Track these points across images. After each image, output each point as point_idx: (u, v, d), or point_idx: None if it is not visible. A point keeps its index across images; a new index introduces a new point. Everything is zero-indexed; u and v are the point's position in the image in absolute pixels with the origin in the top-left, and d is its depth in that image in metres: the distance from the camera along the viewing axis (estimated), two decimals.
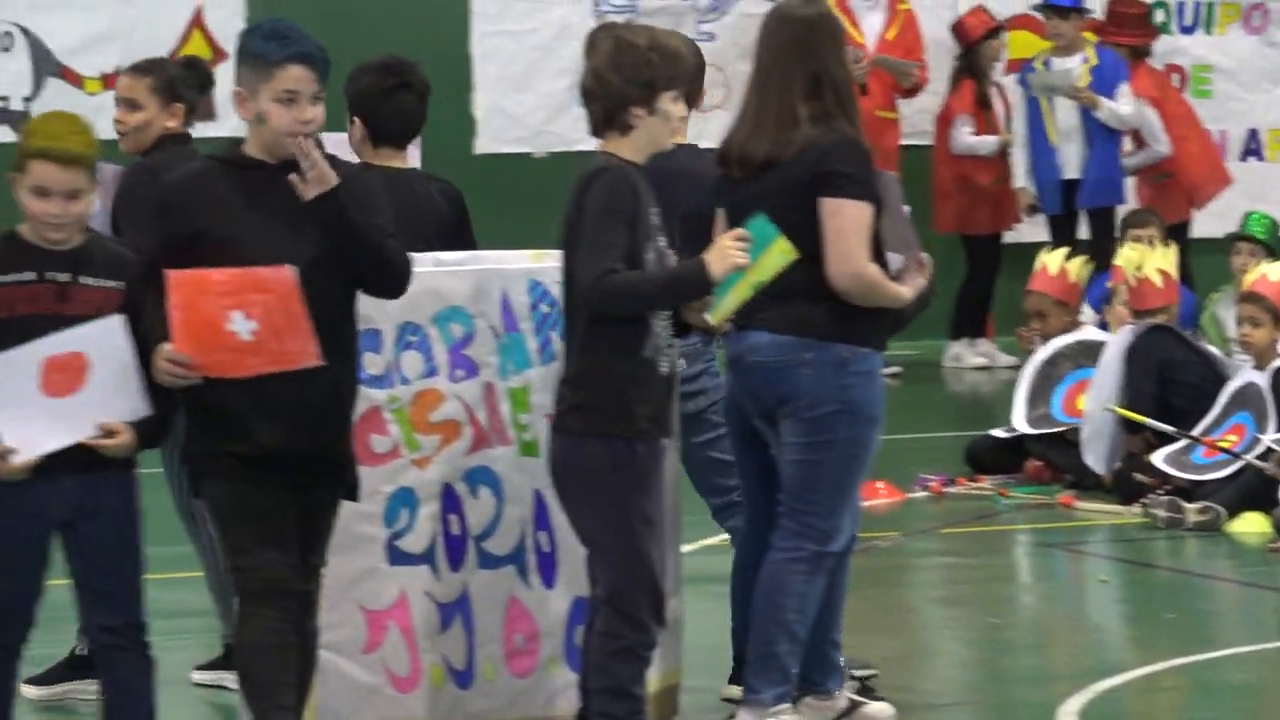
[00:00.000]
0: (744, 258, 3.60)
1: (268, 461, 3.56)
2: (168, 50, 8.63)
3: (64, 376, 3.78)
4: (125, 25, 8.65)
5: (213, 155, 3.89)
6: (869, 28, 9.65)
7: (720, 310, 3.61)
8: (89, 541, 3.72)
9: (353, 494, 3.69)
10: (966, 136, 9.48)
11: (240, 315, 3.70)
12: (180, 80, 4.84)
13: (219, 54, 8.70)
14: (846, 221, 3.96)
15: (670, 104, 3.61)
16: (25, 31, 8.80)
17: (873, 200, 4.03)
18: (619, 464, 3.67)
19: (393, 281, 3.55)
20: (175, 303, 3.63)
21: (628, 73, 3.57)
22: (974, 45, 9.51)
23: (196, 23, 8.93)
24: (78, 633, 4.45)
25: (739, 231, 3.60)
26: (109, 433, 3.56)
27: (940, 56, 9.59)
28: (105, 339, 3.80)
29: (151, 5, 9.07)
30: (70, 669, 4.62)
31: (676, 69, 3.68)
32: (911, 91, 9.33)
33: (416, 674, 4.40)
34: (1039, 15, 9.80)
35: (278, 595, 3.56)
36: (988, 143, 9.52)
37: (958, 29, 9.52)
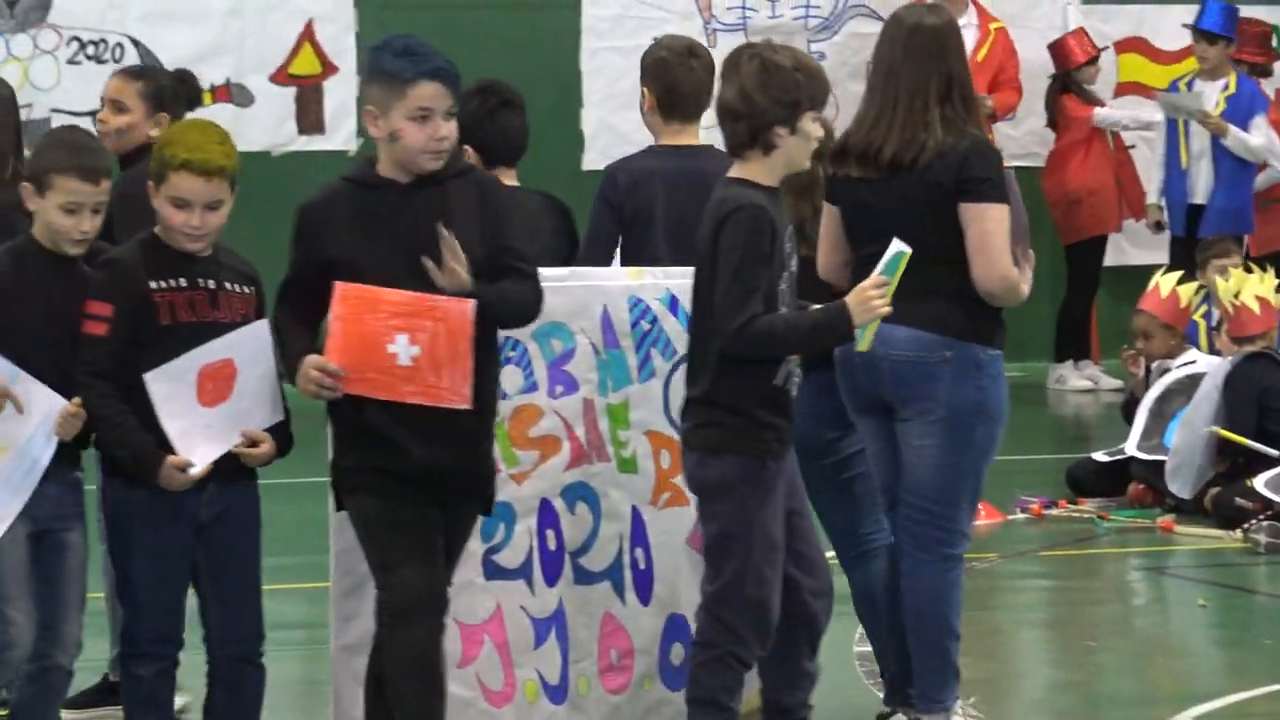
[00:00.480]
0: (886, 307, 3.62)
1: (417, 478, 3.52)
2: (278, 64, 8.92)
3: (215, 385, 3.81)
4: (235, 38, 8.73)
5: (345, 176, 3.85)
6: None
7: (865, 340, 3.68)
8: (221, 548, 3.73)
9: (489, 509, 3.66)
10: (1108, 112, 9.63)
11: (405, 339, 3.64)
12: (170, 91, 4.77)
13: (329, 68, 8.91)
14: (991, 225, 4.02)
15: (810, 124, 3.63)
16: (136, 43, 8.92)
17: (1007, 201, 4.15)
18: (748, 479, 3.71)
19: (523, 322, 3.58)
20: (340, 314, 3.60)
21: (774, 93, 3.59)
22: (1073, 69, 9.47)
23: (307, 36, 9.00)
24: (111, 661, 4.48)
25: (879, 279, 3.63)
26: (252, 442, 3.58)
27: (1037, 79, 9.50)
28: (252, 345, 3.81)
29: (261, 18, 9.12)
30: (103, 694, 4.60)
31: (819, 89, 3.72)
32: (992, 118, 9.10)
33: (510, 688, 4.38)
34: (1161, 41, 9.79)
35: (427, 612, 3.53)
36: (1124, 115, 9.68)
37: (1057, 50, 9.48)
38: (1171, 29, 9.82)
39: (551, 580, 4.33)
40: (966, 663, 5.05)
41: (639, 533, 4.21)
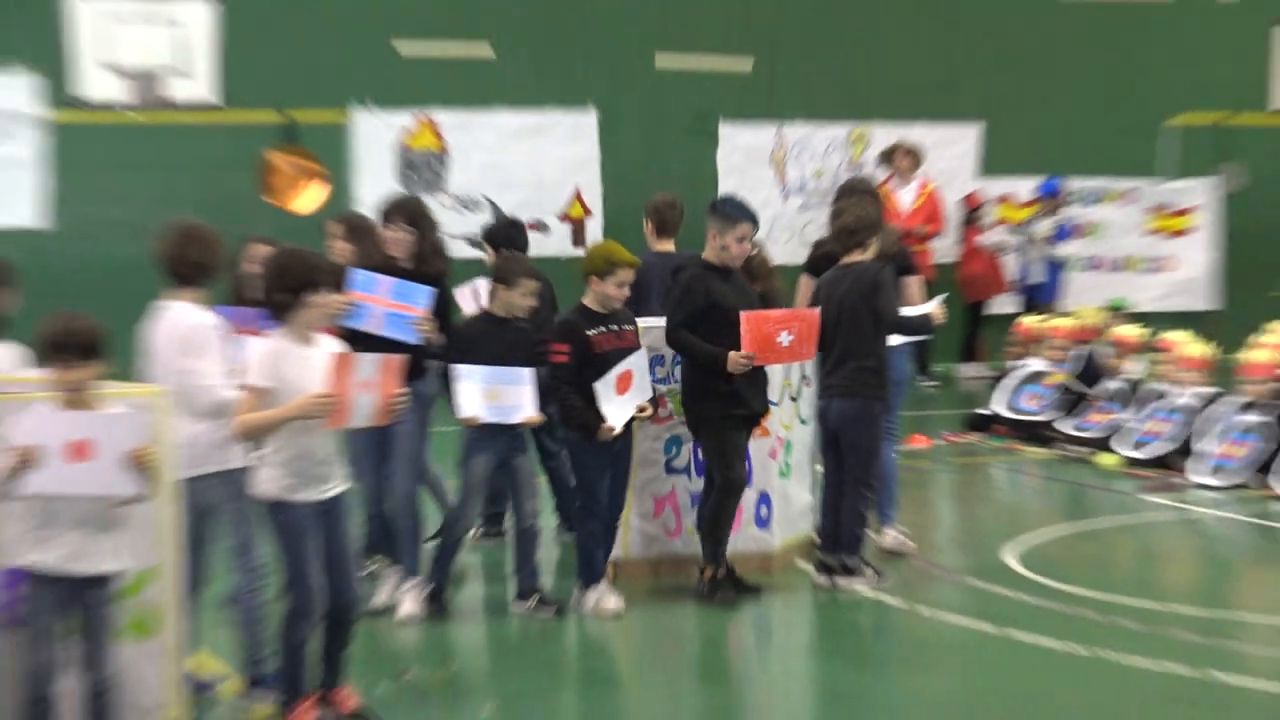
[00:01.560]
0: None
1: (747, 419, 6.86)
2: (562, 210, 15.12)
3: (623, 383, 6.82)
4: (538, 195, 14.78)
5: (702, 264, 7.03)
6: (903, 201, 15.34)
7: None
8: (621, 467, 6.97)
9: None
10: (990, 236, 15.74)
11: (785, 333, 6.75)
12: (502, 232, 8.54)
13: (588, 212, 15.06)
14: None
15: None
16: (489, 199, 15.18)
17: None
18: (881, 414, 7.21)
19: None
20: (747, 328, 6.61)
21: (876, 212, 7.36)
22: (971, 211, 15.76)
23: (577, 195, 15.18)
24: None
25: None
26: (642, 409, 6.76)
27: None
28: (640, 360, 6.85)
29: (555, 188, 15.12)
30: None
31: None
32: (927, 236, 15.14)
33: (679, 529, 7.58)
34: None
35: (736, 492, 6.98)
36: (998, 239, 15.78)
37: (964, 201, 15.81)
38: (1025, 191, 16.01)
39: (700, 473, 7.51)
40: (904, 517, 8.75)
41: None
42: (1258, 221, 17.27)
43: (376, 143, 15.29)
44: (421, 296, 7.28)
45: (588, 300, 7.17)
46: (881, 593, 8.19)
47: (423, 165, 15.14)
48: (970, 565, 9.08)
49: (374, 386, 5.73)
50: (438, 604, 7.56)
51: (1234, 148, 17.42)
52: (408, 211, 7.61)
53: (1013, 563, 9.00)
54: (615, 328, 7.25)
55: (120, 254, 12.63)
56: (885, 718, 6.80)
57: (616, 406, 7.15)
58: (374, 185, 14.44)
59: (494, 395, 7.30)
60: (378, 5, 15.93)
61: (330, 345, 5.81)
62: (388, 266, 7.50)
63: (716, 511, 7.25)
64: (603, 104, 15.80)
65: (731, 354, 7.01)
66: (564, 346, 7.13)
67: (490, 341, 7.31)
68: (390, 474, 7.60)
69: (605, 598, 7.44)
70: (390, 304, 7.32)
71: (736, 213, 7.42)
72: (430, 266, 7.47)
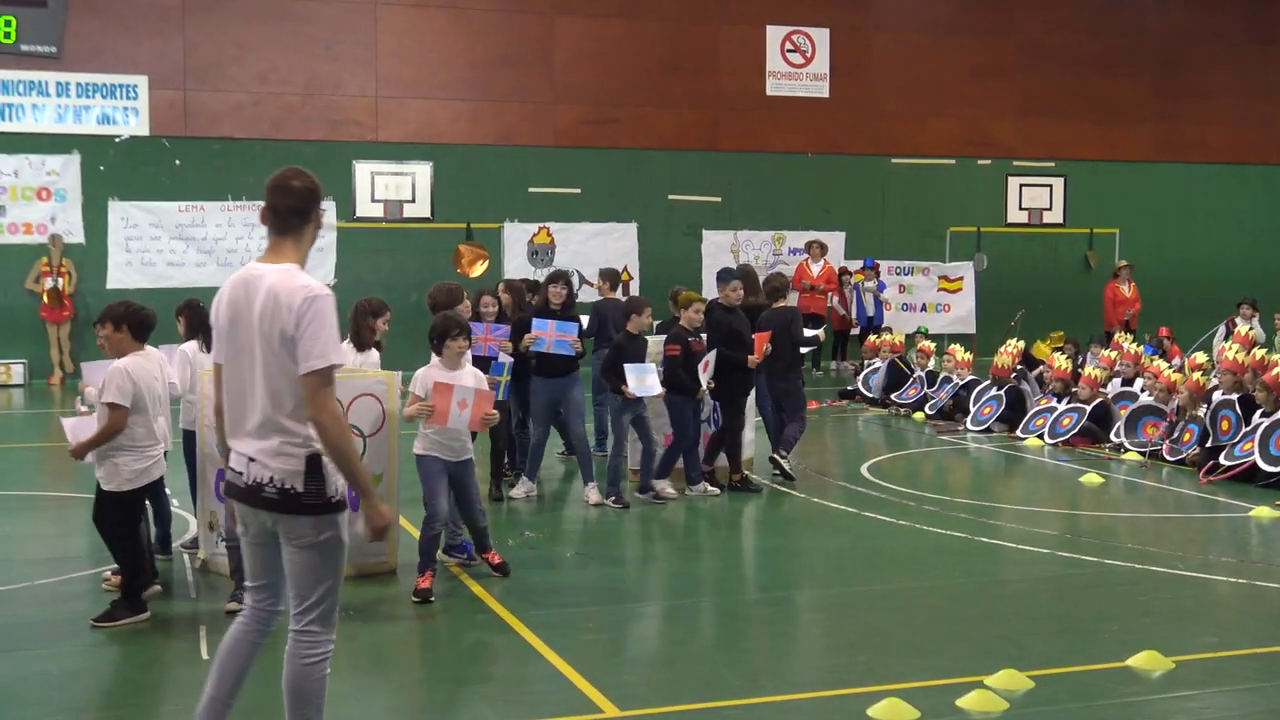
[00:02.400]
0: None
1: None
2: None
3: (705, 366, 10.89)
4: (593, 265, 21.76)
5: (719, 307, 11.15)
6: (814, 270, 22.79)
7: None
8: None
9: None
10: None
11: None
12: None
13: (630, 277, 24.63)
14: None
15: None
16: (577, 271, 22.65)
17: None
18: (800, 387, 13.52)
19: None
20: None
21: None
22: (842, 275, 23.63)
23: (625, 269, 23.87)
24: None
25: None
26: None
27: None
28: (710, 356, 10.89)
29: (613, 264, 22.38)
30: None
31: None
32: (826, 293, 22.95)
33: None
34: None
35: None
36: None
37: (839, 270, 23.96)
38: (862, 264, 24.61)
39: (715, 425, 11.62)
40: (805, 447, 12.97)
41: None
42: (995, 284, 25.61)
43: (517, 240, 23.55)
44: (572, 328, 10.72)
45: (683, 321, 10.72)
46: (792, 489, 11.55)
47: (541, 252, 23.47)
48: (842, 474, 12.41)
49: (469, 405, 7.82)
50: (618, 497, 10.88)
51: (982, 245, 26.10)
52: (564, 278, 11.03)
53: (866, 473, 12.30)
54: (698, 337, 10.70)
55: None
56: (794, 560, 9.64)
57: (704, 380, 10.67)
58: (515, 263, 23.22)
59: (640, 380, 10.50)
60: (521, 165, 23.43)
61: (469, 371, 8.31)
62: (548, 311, 10.65)
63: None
64: (639, 220, 23.62)
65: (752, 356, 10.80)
66: (676, 348, 10.67)
67: (637, 349, 10.56)
68: (567, 421, 11.19)
69: (667, 489, 11.18)
70: (556, 335, 10.67)
71: (729, 275, 11.38)
72: (574, 311, 10.64)
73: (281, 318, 4.75)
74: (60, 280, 21.51)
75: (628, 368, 10.64)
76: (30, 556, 9.67)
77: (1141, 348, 17.19)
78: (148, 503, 8.37)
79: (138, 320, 7.91)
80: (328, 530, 4.86)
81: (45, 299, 21.38)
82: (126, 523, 7.81)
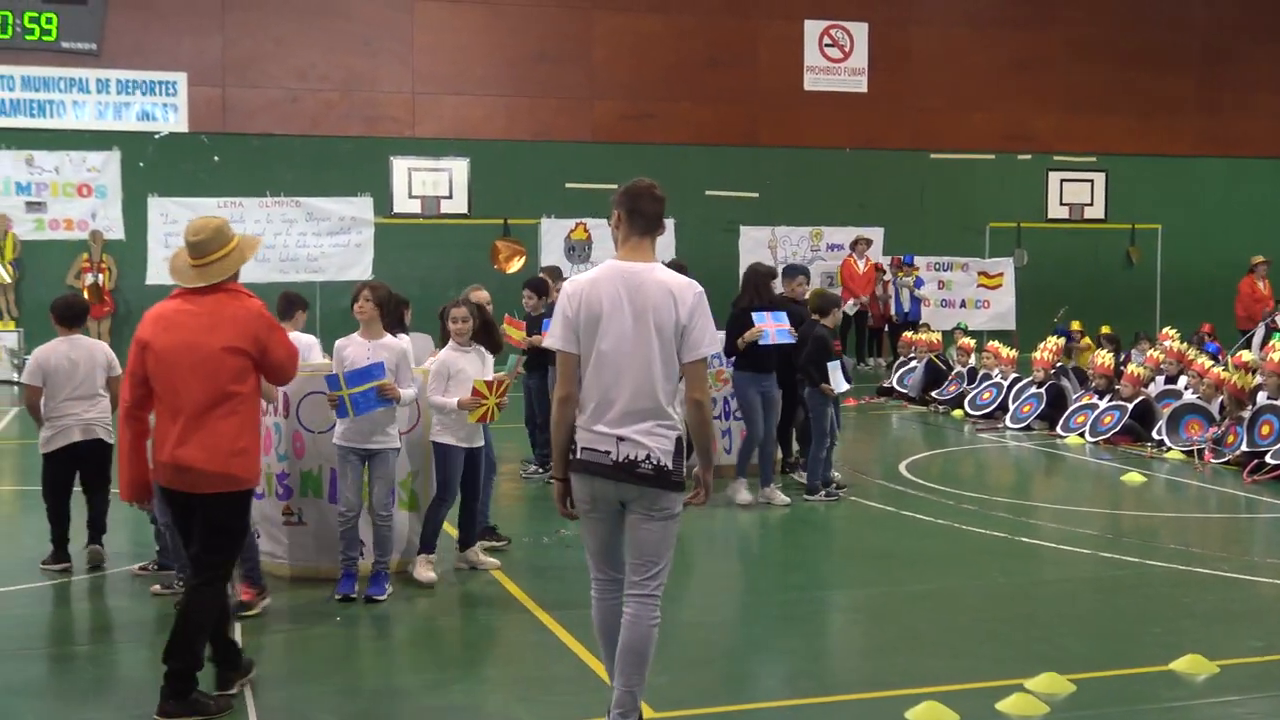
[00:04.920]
0: None
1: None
2: None
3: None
4: None
5: (783, 299, 11.46)
6: (859, 266, 23.07)
7: None
8: None
9: None
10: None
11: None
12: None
13: None
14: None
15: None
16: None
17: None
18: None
19: None
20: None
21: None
22: (881, 272, 23.75)
23: None
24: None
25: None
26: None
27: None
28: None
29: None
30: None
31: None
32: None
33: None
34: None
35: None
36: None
37: (876, 265, 24.05)
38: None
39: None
40: (843, 445, 12.75)
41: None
42: (1035, 280, 25.74)
43: (554, 236, 23.79)
44: (784, 317, 11.05)
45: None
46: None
47: (578, 248, 23.69)
48: (881, 473, 12.48)
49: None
50: (829, 491, 11.52)
51: (1022, 241, 26.12)
52: (803, 271, 12.25)
53: (904, 471, 12.24)
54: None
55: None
56: (831, 559, 9.78)
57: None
58: (551, 259, 22.96)
59: (837, 377, 11.17)
60: (558, 161, 23.41)
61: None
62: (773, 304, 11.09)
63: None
64: (676, 216, 22.33)
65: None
66: (838, 345, 11.64)
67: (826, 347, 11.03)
68: (767, 417, 11.33)
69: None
70: (775, 325, 11.06)
71: (796, 270, 12.20)
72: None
73: (676, 310, 5.33)
74: (100, 276, 21.86)
75: (830, 366, 11.03)
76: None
77: (1192, 347, 17.13)
78: None
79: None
80: (679, 505, 5.45)
81: (86, 295, 21.51)
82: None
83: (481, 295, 9.60)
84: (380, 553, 8.37)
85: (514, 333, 11.46)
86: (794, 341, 11.28)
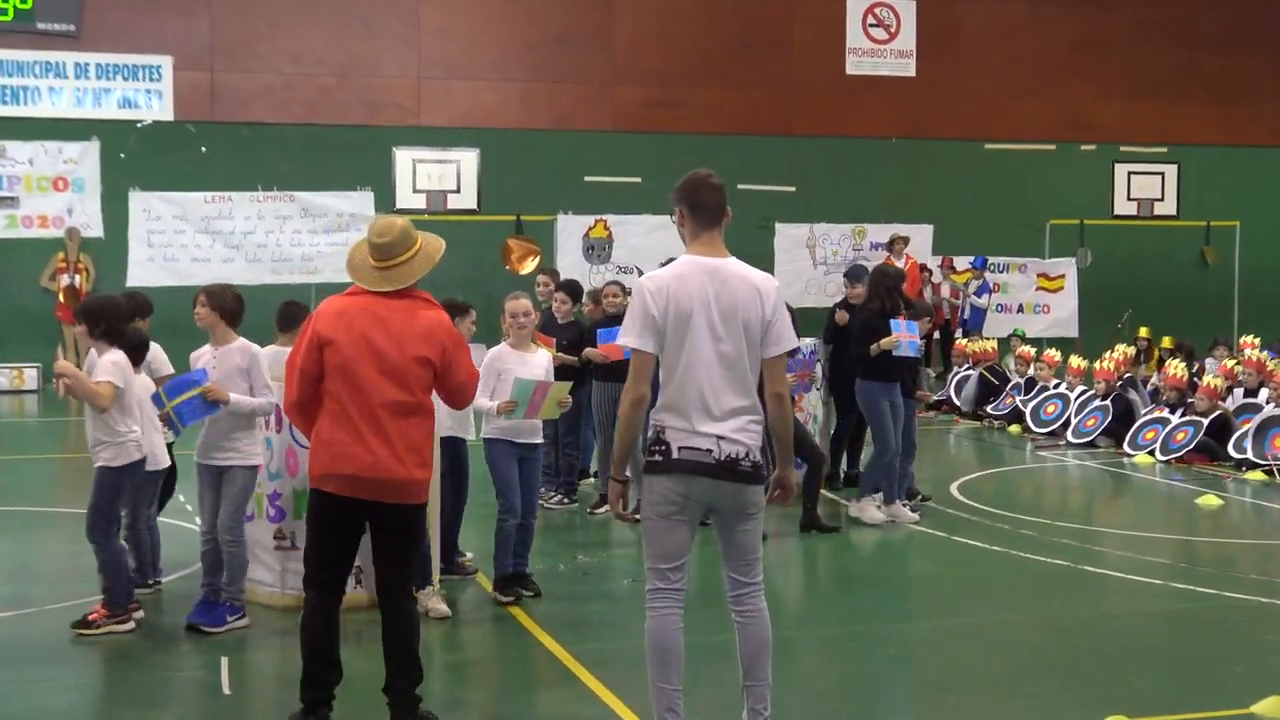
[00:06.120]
0: None
1: None
2: None
3: None
4: None
5: (845, 304, 12.43)
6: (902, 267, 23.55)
7: None
8: None
9: None
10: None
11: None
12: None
13: None
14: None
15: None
16: (637, 268, 24.13)
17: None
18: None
19: None
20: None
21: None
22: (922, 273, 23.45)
23: None
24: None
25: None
26: None
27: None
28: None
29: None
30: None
31: None
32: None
33: None
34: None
35: None
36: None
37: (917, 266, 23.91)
38: (962, 264, 24.14)
39: None
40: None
41: None
42: (1100, 282, 25.57)
43: (572, 234, 23.74)
44: (915, 327, 11.44)
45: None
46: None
47: (598, 247, 23.73)
48: (930, 494, 12.27)
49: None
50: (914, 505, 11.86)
51: (1085, 240, 26.00)
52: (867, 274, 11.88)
53: (956, 493, 12.19)
54: None
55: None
56: (876, 589, 9.52)
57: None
58: (569, 259, 23.20)
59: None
60: (576, 152, 23.58)
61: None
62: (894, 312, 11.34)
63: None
64: None
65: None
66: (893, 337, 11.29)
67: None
68: (897, 424, 11.45)
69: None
70: (908, 335, 11.26)
71: (857, 273, 12.34)
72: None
73: (761, 305, 5.65)
74: (77, 277, 21.78)
75: (892, 321, 11.34)
76: (47, 574, 9.70)
77: (1266, 354, 17.02)
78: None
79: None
80: (764, 499, 5.85)
81: (61, 298, 21.63)
82: None
83: (521, 304, 9.21)
84: (228, 579, 8.16)
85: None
86: (919, 356, 11.74)
